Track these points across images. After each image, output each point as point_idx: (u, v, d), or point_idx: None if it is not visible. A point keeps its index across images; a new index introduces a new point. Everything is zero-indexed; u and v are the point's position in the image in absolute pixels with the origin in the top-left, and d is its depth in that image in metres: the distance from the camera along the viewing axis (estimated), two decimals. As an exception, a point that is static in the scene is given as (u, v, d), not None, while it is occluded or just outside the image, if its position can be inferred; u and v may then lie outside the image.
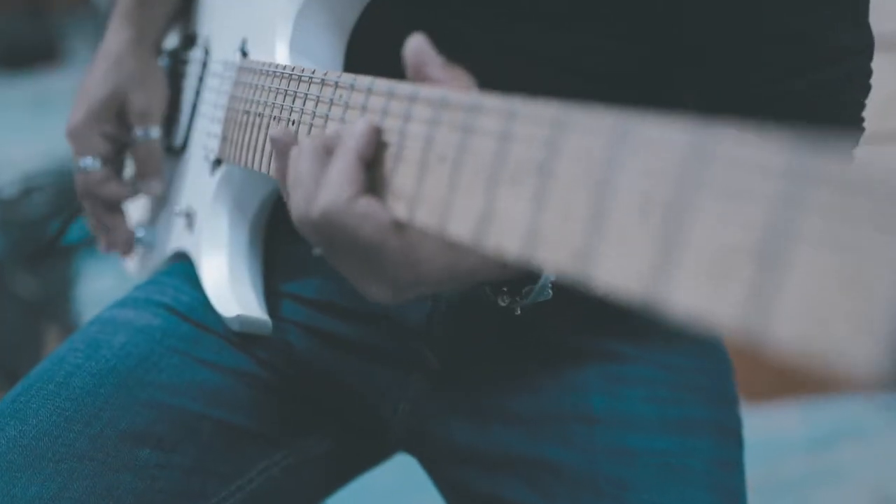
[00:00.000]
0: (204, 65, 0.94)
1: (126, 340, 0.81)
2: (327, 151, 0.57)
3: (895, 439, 1.85)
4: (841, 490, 1.75)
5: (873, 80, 0.75)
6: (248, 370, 0.83)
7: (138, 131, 0.92)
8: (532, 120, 0.44)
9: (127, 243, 0.97)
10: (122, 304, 0.87)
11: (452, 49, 0.76)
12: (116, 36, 0.93)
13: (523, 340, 0.83)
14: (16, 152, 3.05)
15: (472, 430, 0.83)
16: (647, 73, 0.77)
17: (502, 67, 0.75)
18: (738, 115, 0.60)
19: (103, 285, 2.31)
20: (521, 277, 0.68)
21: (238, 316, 0.81)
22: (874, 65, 0.75)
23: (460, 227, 0.48)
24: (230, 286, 0.83)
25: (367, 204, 0.54)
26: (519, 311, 0.70)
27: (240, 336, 0.84)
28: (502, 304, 0.69)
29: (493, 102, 0.48)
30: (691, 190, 0.35)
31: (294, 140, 0.63)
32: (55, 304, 2.19)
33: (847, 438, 1.86)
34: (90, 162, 0.92)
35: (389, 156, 0.55)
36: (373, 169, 0.56)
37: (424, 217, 0.51)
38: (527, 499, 0.79)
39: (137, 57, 0.92)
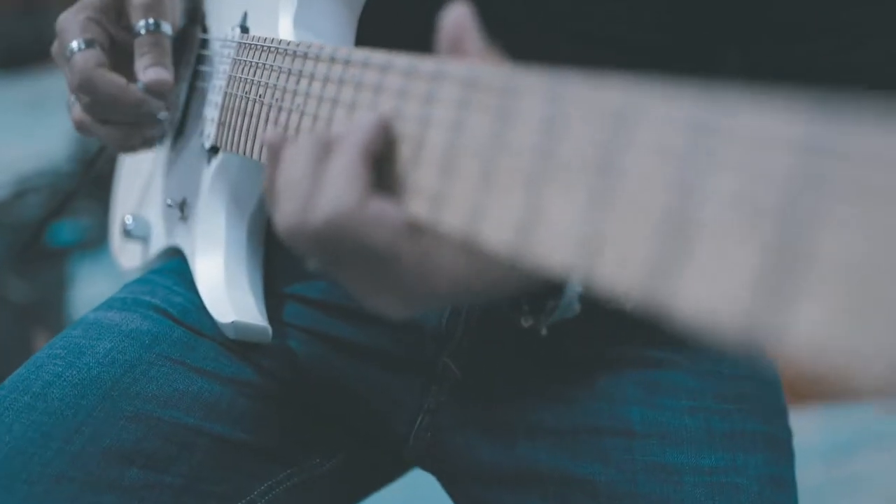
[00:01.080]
0: (202, 43, 0.86)
1: (112, 346, 0.73)
2: (326, 149, 0.49)
3: None
4: (860, 498, 1.72)
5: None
6: (248, 380, 0.76)
7: (144, 24, 0.77)
8: (588, 104, 0.36)
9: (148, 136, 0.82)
10: (108, 305, 0.79)
11: (481, 18, 0.68)
12: None
13: (553, 346, 0.75)
14: (9, 154, 3.02)
15: (496, 445, 0.75)
16: (685, 49, 0.69)
17: (530, 41, 0.67)
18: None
19: (97, 290, 2.26)
20: (544, 293, 0.61)
21: (234, 322, 0.74)
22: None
23: (497, 233, 0.40)
24: (226, 288, 0.76)
25: (380, 206, 0.46)
26: (544, 332, 0.64)
27: (238, 342, 0.76)
28: (525, 324, 0.64)
29: (536, 81, 0.39)
30: (811, 190, 0.27)
31: (285, 140, 0.53)
32: (47, 309, 2.14)
33: (866, 447, 1.82)
34: (75, 45, 0.76)
35: (408, 146, 0.47)
36: (387, 163, 0.48)
37: (451, 219, 0.43)
38: None
39: None
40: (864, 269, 0.26)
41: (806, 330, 0.26)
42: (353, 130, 0.47)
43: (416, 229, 0.46)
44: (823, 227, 0.27)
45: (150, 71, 0.76)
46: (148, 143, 0.84)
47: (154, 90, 0.76)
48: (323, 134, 0.50)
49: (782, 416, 0.78)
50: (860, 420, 1.85)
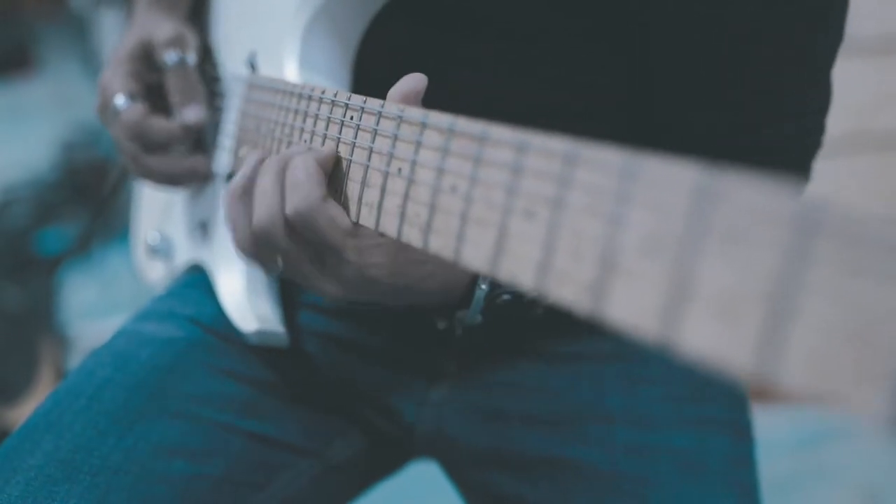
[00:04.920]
0: (214, 77, 0.95)
1: (153, 353, 0.83)
2: (286, 163, 0.63)
3: (881, 439, 1.86)
4: (828, 490, 1.77)
5: (855, 84, 0.75)
6: (271, 381, 0.85)
7: (171, 57, 0.86)
8: (544, 153, 0.45)
9: (201, 172, 0.90)
10: (145, 316, 0.89)
11: (448, 63, 0.77)
12: (140, 14, 0.93)
13: (540, 345, 0.84)
14: (-9, 162, 3.00)
15: (492, 433, 0.84)
16: (630, 95, 0.77)
17: (496, 82, 0.76)
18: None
19: (86, 297, 2.31)
20: (455, 304, 0.71)
21: (257, 331, 0.83)
22: (854, 70, 0.75)
23: (474, 258, 0.49)
24: (248, 300, 0.85)
25: (336, 207, 0.61)
26: (459, 332, 0.74)
27: (262, 347, 0.85)
28: (441, 326, 0.75)
29: (503, 133, 0.48)
30: (699, 229, 0.36)
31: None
32: (40, 317, 2.15)
33: (833, 439, 1.87)
34: (122, 100, 0.86)
35: (401, 182, 0.56)
36: (337, 181, 0.63)
37: (437, 247, 0.52)
38: (548, 498, 0.80)
39: (163, 16, 0.91)
40: (733, 295, 0.34)
41: (694, 336, 0.35)
42: (310, 149, 0.63)
43: (356, 230, 0.61)
44: (705, 257, 0.35)
45: (188, 112, 0.86)
46: (194, 174, 0.91)
47: (188, 123, 0.87)
48: (282, 154, 0.64)
49: (744, 405, 0.86)
50: (826, 414, 1.89)
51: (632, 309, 0.38)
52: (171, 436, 0.78)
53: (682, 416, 0.82)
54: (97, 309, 2.23)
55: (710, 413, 0.83)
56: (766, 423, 0.88)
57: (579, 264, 0.42)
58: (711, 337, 0.35)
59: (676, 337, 0.36)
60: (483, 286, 0.69)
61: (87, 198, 2.59)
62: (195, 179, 0.91)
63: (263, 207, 0.63)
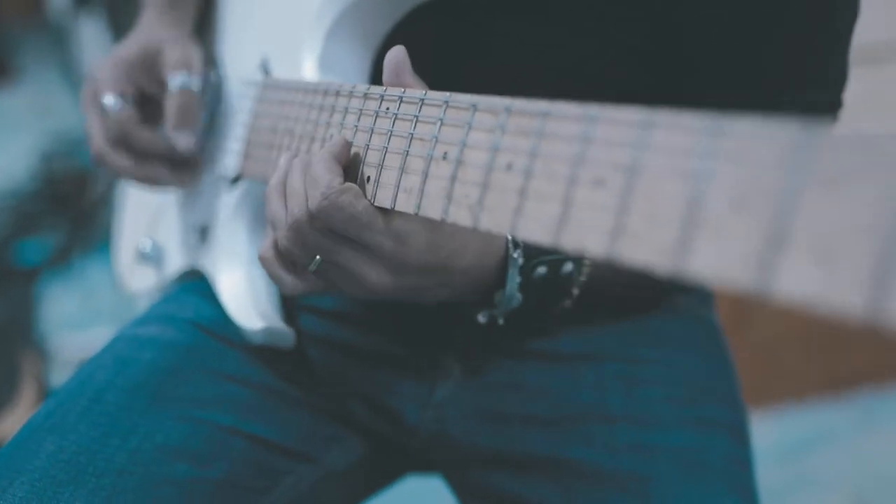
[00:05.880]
0: (219, 84, 0.94)
1: (154, 356, 0.81)
2: (309, 164, 0.65)
3: (868, 444, 1.89)
4: (817, 496, 1.78)
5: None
6: (273, 385, 0.84)
7: (177, 78, 0.86)
8: (615, 122, 0.46)
9: (160, 182, 0.91)
10: (143, 321, 0.87)
11: (476, 56, 0.78)
12: (148, 20, 0.93)
13: (542, 347, 0.85)
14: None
15: (494, 434, 0.84)
16: (655, 82, 0.80)
17: (523, 74, 0.78)
18: None
19: (66, 308, 2.25)
20: (490, 287, 0.72)
21: (263, 329, 0.81)
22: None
23: (534, 230, 0.49)
24: (251, 300, 0.84)
25: (353, 187, 0.62)
26: (501, 321, 0.74)
27: (262, 350, 0.84)
28: (483, 320, 0.74)
29: (568, 108, 0.49)
30: (792, 177, 0.37)
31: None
32: (21, 327, 2.11)
33: (820, 445, 1.89)
34: (111, 100, 0.86)
35: (446, 165, 0.57)
36: (428, 179, 0.59)
37: (490, 224, 0.53)
38: (551, 498, 0.80)
39: (172, 29, 0.91)
40: (834, 235, 0.35)
41: (792, 281, 0.36)
42: (326, 146, 0.65)
43: (384, 211, 0.62)
44: (802, 202, 0.36)
45: (181, 138, 0.87)
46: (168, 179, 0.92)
47: (176, 147, 0.88)
48: (305, 156, 0.67)
49: (741, 408, 0.88)
50: (813, 419, 1.93)
51: (721, 260, 0.39)
52: (174, 438, 0.76)
53: (683, 416, 0.83)
54: (77, 320, 2.18)
55: (710, 414, 0.84)
56: (754, 430, 0.89)
57: (657, 225, 0.42)
58: (813, 281, 0.36)
59: (774, 283, 0.37)
60: (516, 255, 0.70)
61: (66, 208, 2.55)
62: (152, 186, 0.92)
63: (294, 206, 0.65)
